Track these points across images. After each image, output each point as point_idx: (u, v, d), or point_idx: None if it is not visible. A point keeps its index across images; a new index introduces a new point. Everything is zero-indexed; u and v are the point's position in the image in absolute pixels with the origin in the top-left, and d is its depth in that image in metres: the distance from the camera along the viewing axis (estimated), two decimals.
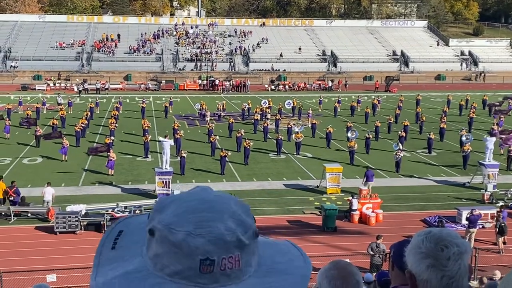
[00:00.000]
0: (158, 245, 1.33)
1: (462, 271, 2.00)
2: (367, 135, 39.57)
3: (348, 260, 2.96)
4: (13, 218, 25.87)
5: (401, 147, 35.46)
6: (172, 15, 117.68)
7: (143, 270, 1.34)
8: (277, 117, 47.57)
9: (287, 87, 78.24)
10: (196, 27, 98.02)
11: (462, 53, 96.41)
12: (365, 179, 30.24)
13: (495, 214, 24.45)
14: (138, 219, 1.51)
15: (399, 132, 40.67)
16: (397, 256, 3.04)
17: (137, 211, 24.97)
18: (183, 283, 1.30)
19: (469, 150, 35.09)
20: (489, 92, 69.43)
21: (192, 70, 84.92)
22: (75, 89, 71.11)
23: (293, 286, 1.39)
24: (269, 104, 54.68)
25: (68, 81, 77.03)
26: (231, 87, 75.05)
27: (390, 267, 3.31)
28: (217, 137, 39.27)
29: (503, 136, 39.17)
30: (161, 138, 32.56)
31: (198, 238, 1.29)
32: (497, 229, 23.12)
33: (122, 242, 1.44)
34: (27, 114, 47.25)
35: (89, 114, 48.58)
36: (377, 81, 77.92)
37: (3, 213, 26.16)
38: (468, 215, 23.54)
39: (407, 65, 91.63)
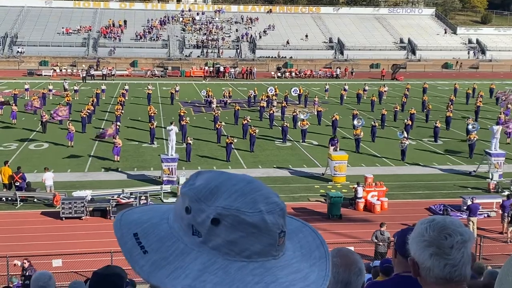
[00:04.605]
0: (229, 232, 1.32)
1: (465, 259, 2.00)
2: (373, 123, 39.45)
3: (352, 248, 2.96)
4: (19, 203, 26.03)
5: (406, 135, 35.39)
6: (178, 1, 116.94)
7: (215, 262, 1.32)
8: (283, 104, 47.46)
9: (293, 74, 78.05)
10: (203, 13, 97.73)
11: (470, 41, 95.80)
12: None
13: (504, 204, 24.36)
14: (141, 218, 1.45)
15: (405, 120, 40.53)
16: (400, 243, 3.04)
17: (143, 197, 25.04)
18: (262, 260, 1.34)
19: (475, 139, 34.96)
20: (496, 81, 69.04)
21: (198, 56, 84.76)
22: (81, 75, 71.27)
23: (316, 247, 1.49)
24: (275, 91, 54.57)
25: (74, 67, 77.05)
26: (212, 73, 74.93)
27: (393, 255, 3.32)
28: (223, 123, 39.26)
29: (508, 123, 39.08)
30: (168, 127, 32.25)
31: (270, 214, 1.33)
32: (509, 218, 23.04)
33: (148, 244, 1.37)
34: (33, 100, 47.19)
35: (95, 100, 48.62)
36: (383, 69, 77.61)
37: (10, 198, 26.33)
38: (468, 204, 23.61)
39: (414, 53, 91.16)
